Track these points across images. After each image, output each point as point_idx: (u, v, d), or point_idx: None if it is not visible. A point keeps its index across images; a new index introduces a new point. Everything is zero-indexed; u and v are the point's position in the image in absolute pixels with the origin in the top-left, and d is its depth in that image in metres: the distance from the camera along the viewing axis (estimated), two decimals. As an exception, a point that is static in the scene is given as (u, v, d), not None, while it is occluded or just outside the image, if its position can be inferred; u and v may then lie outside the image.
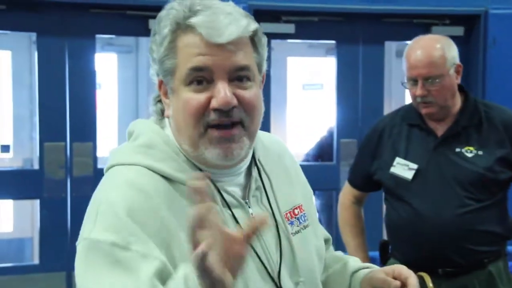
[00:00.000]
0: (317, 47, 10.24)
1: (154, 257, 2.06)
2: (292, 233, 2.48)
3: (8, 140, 10.96)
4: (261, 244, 2.36)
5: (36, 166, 8.90)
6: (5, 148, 10.73)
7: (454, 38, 5.00)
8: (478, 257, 4.20)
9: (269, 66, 8.26)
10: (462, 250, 4.19)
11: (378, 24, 9.40)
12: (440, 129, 4.39)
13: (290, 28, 9.30)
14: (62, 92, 8.49)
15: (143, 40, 10.20)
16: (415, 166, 4.36)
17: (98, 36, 9.13)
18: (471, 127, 4.36)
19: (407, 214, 4.35)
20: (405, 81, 4.40)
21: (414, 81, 4.29)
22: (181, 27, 2.18)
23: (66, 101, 8.50)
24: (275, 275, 2.36)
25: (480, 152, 4.29)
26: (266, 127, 8.94)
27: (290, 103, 10.80)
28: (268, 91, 9.18)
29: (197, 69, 2.16)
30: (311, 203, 2.75)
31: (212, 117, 2.16)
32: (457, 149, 4.33)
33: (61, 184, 8.42)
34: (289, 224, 2.49)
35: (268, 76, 8.96)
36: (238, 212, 2.32)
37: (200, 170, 2.27)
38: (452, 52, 4.35)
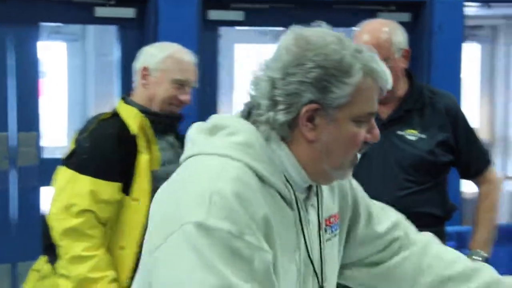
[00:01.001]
0: (267, 34, 10.44)
1: (266, 250, 2.17)
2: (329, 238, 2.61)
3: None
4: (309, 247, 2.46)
5: (-21, 157, 8.74)
6: None
7: (400, 24, 5.09)
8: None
9: (216, 53, 8.62)
10: None
11: (328, 11, 9.53)
12: (385, 112, 4.48)
13: (239, 15, 9.44)
14: (3, 81, 8.54)
15: (90, 28, 10.38)
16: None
17: (43, 24, 9.17)
18: (414, 111, 4.48)
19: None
20: None
21: None
22: (367, 71, 2.32)
23: (7, 91, 8.53)
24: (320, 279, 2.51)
25: (423, 136, 4.43)
26: (213, 111, 9.24)
27: (237, 88, 10.99)
28: (215, 77, 9.56)
29: (373, 113, 2.38)
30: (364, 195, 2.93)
31: (362, 149, 2.41)
32: (400, 132, 4.45)
33: (4, 175, 8.48)
34: (330, 230, 2.63)
35: (216, 63, 9.23)
36: (306, 218, 2.46)
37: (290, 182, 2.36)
38: (399, 37, 4.49)
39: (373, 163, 4.39)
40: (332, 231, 2.61)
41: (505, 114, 11.81)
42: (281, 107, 2.27)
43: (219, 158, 2.28)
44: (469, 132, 4.59)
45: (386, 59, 4.03)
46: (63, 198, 3.89)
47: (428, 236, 3.01)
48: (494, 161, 8.45)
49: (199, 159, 2.34)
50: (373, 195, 3.88)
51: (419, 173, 4.41)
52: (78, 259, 3.78)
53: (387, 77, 2.36)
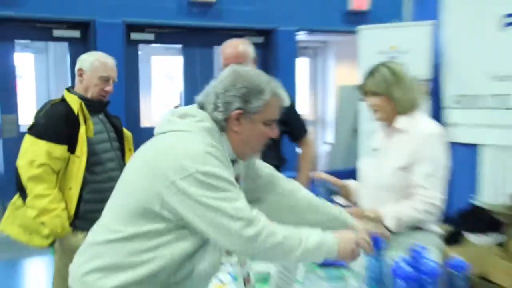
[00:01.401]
0: (170, 49, 10.31)
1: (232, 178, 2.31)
2: None
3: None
4: None
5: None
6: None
7: (255, 44, 4.41)
8: None
9: (137, 62, 8.35)
10: None
11: (210, 35, 9.52)
12: None
13: (151, 36, 9.49)
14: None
15: (50, 44, 10.24)
16: None
17: (17, 41, 9.19)
18: None
19: None
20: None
21: (226, 64, 4.09)
22: (274, 94, 2.42)
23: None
24: None
25: None
26: (136, 102, 9.44)
27: (155, 89, 10.86)
28: (137, 81, 9.49)
29: (276, 120, 2.47)
30: None
31: (265, 142, 2.52)
32: None
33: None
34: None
35: (137, 69, 9.07)
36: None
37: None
38: (250, 49, 4.24)
39: None
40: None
41: (323, 103, 12.10)
42: (220, 109, 2.37)
43: (194, 134, 2.34)
44: (294, 113, 4.34)
45: (242, 63, 3.99)
46: (28, 155, 3.71)
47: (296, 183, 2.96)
48: (316, 132, 8.50)
49: (178, 133, 2.38)
50: None
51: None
52: (40, 196, 3.63)
53: (286, 99, 2.49)
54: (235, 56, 4.07)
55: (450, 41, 5.60)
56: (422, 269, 2.41)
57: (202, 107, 2.44)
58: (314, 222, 2.67)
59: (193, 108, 2.45)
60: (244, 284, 2.63)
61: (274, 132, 2.46)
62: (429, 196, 3.04)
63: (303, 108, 11.45)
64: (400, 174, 3.09)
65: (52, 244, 3.74)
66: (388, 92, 3.11)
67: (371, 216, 3.04)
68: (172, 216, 2.24)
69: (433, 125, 3.20)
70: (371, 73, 3.20)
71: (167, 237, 2.29)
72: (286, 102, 2.48)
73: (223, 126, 2.39)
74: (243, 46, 4.18)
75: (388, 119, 3.19)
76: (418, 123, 3.14)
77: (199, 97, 2.48)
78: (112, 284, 2.27)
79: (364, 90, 3.23)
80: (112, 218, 2.40)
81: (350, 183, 3.32)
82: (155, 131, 2.49)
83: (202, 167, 2.22)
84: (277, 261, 2.48)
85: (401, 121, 3.14)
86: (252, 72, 2.47)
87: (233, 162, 2.48)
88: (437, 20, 5.66)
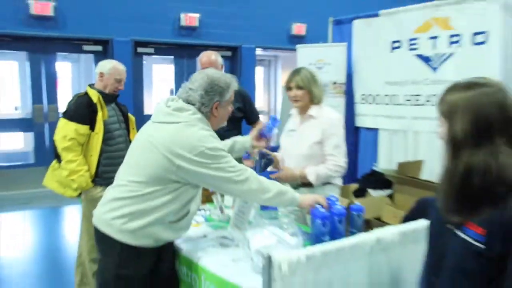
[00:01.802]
0: (167, 59, 10.17)
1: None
2: None
3: None
4: None
5: None
6: None
7: (225, 57, 4.35)
8: None
9: (142, 69, 8.24)
10: None
11: (196, 50, 9.38)
12: None
13: (151, 50, 9.36)
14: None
15: (81, 55, 9.92)
16: None
17: (58, 53, 8.94)
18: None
19: None
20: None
21: (203, 68, 3.77)
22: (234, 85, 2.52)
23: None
24: None
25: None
26: (140, 100, 9.32)
27: (156, 90, 10.58)
28: (142, 82, 9.38)
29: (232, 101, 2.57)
30: None
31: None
32: None
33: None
34: None
35: (142, 74, 8.96)
36: None
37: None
38: (220, 59, 4.11)
39: None
40: None
41: (273, 99, 12.03)
42: (205, 105, 2.42)
43: (193, 124, 2.36)
44: (249, 103, 4.25)
45: (213, 67, 3.88)
46: (62, 132, 3.67)
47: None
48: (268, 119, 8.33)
49: (183, 124, 2.36)
50: None
51: (229, 122, 3.72)
52: (70, 161, 3.62)
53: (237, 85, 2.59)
54: (209, 63, 4.01)
55: (358, 57, 5.61)
56: (333, 212, 2.44)
57: (188, 102, 2.42)
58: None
59: (184, 104, 2.41)
60: (221, 211, 2.86)
61: (232, 107, 2.61)
62: (337, 161, 3.14)
63: (259, 102, 11.48)
64: (315, 147, 3.14)
65: (79, 195, 3.75)
66: (309, 87, 3.17)
67: (298, 174, 3.10)
68: (184, 180, 2.30)
69: (334, 112, 3.30)
70: (297, 72, 3.23)
71: (176, 192, 2.32)
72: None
73: (208, 115, 2.43)
74: (215, 55, 4.10)
75: (304, 108, 3.23)
76: (324, 111, 3.21)
77: (182, 94, 2.47)
78: (136, 226, 2.29)
79: (290, 85, 3.23)
80: (131, 182, 2.36)
81: (278, 154, 3.27)
82: (155, 119, 2.46)
83: (208, 144, 2.28)
84: (257, 199, 2.45)
85: (313, 110, 3.19)
86: (219, 74, 2.51)
87: None
88: (349, 42, 5.66)
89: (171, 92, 10.33)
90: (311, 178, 3.11)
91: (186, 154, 2.25)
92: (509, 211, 1.35)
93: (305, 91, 3.17)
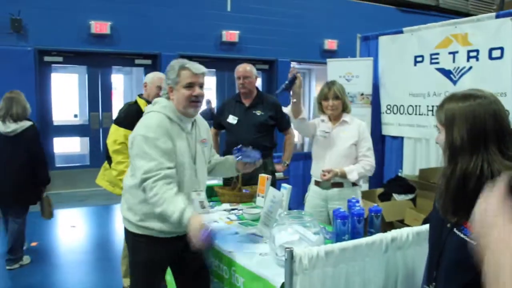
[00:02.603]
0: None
1: (168, 144, 2.29)
2: (204, 147, 2.55)
3: None
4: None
5: None
6: None
7: (262, 70, 4.50)
8: (262, 155, 3.26)
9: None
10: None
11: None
12: (247, 102, 4.06)
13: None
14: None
15: (133, 68, 10.16)
16: (236, 118, 4.07)
17: (114, 66, 9.17)
18: (259, 103, 4.06)
19: (232, 139, 3.97)
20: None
21: (238, 78, 4.06)
22: (182, 67, 2.37)
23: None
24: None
25: (263, 113, 4.03)
26: None
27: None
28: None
29: (192, 83, 2.36)
30: (210, 140, 2.72)
31: (193, 98, 2.38)
32: (254, 111, 4.02)
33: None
34: (203, 144, 2.56)
35: None
36: (190, 135, 2.45)
37: (180, 118, 2.41)
38: (254, 70, 4.11)
39: (243, 124, 4.04)
40: (205, 145, 2.57)
41: (307, 108, 11.48)
42: (168, 91, 2.42)
43: (156, 113, 2.38)
44: (281, 112, 4.03)
45: (249, 77, 4.01)
46: (112, 137, 3.68)
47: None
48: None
49: (149, 113, 2.42)
50: (238, 138, 3.85)
51: (262, 128, 4.01)
52: (119, 163, 3.62)
53: (196, 67, 2.39)
54: (244, 72, 4.03)
55: (383, 70, 5.59)
56: (353, 212, 2.43)
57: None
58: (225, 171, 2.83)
59: (161, 98, 2.47)
60: (202, 207, 2.53)
61: (194, 92, 2.38)
62: (371, 161, 3.30)
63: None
64: (352, 147, 3.28)
65: None
66: (343, 98, 3.31)
67: (338, 172, 3.18)
68: None
69: (361, 120, 3.43)
70: (333, 83, 3.33)
71: None
72: (198, 69, 2.39)
73: (168, 99, 2.42)
74: (249, 67, 4.09)
75: (336, 116, 3.35)
76: (354, 119, 3.36)
77: None
78: (135, 218, 2.40)
79: (327, 96, 3.29)
80: (128, 177, 2.47)
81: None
82: None
83: (147, 133, 2.28)
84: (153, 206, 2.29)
85: (346, 117, 3.33)
86: (174, 61, 2.45)
87: (195, 123, 2.51)
88: (375, 57, 5.65)
89: (207, 103, 10.42)
90: (352, 175, 3.23)
91: (135, 135, 2.35)
92: None
93: (340, 101, 3.30)
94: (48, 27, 7.88)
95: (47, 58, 8.31)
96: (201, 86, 2.42)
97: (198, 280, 2.60)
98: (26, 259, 4.67)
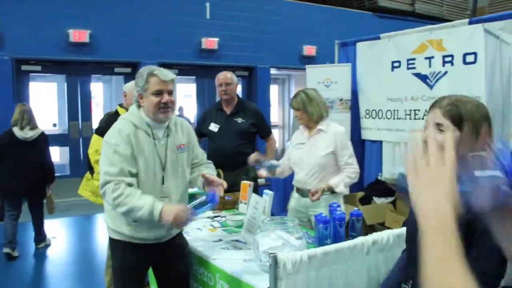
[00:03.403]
0: (189, 79, 10.39)
1: (128, 151, 2.28)
2: (178, 153, 2.51)
3: None
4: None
5: None
6: None
7: (242, 76, 4.48)
8: (242, 161, 3.76)
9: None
10: (236, 160, 3.94)
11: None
12: (228, 110, 4.10)
13: (175, 71, 9.11)
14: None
15: (113, 77, 9.97)
16: (218, 126, 4.09)
17: (93, 75, 9.14)
18: (240, 110, 4.09)
19: (214, 147, 4.09)
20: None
21: (220, 85, 4.10)
22: (150, 74, 2.36)
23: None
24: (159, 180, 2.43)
25: (244, 120, 4.06)
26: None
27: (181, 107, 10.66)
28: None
29: (161, 90, 2.35)
30: (195, 143, 2.69)
31: (162, 105, 2.36)
32: (235, 119, 4.06)
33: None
34: (179, 150, 2.52)
35: None
36: (159, 142, 2.43)
37: (149, 125, 2.40)
38: (235, 78, 4.15)
39: (224, 131, 4.06)
40: (182, 150, 2.52)
41: (287, 114, 11.88)
42: (138, 98, 2.42)
43: (122, 120, 2.42)
44: (262, 119, 4.21)
45: (230, 84, 4.05)
46: (94, 147, 3.69)
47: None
48: (283, 133, 8.24)
49: (117, 120, 2.45)
50: (224, 144, 3.96)
51: (244, 136, 4.05)
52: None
53: (164, 73, 2.37)
54: (225, 80, 4.07)
55: (361, 76, 5.66)
56: (334, 217, 2.47)
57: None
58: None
59: (133, 105, 2.47)
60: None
61: (164, 98, 2.36)
62: (355, 167, 3.29)
63: (274, 118, 11.43)
64: (328, 157, 3.23)
65: None
66: (304, 108, 3.27)
67: (325, 187, 3.16)
68: None
69: (340, 126, 3.40)
70: (294, 96, 3.36)
71: None
72: (166, 76, 2.38)
73: (139, 107, 2.43)
74: (230, 74, 4.13)
75: (307, 124, 3.34)
76: (331, 125, 3.31)
77: None
78: (111, 223, 2.46)
79: (291, 106, 3.37)
80: None
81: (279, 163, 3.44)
82: None
83: (109, 139, 2.33)
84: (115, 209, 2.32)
85: (322, 125, 3.29)
86: (143, 69, 2.44)
87: (168, 130, 2.47)
88: (354, 63, 5.71)
89: (180, 110, 10.41)
90: (339, 188, 3.22)
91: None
92: None
93: (301, 111, 3.29)
94: (25, 35, 7.77)
95: (25, 67, 8.19)
96: (170, 92, 2.41)
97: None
98: (48, 240, 5.65)
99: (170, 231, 2.49)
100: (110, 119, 3.79)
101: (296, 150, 3.40)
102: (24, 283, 4.50)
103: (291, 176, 5.37)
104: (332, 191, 3.22)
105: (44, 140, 5.25)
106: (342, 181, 3.22)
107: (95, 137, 3.76)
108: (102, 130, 3.68)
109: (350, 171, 3.26)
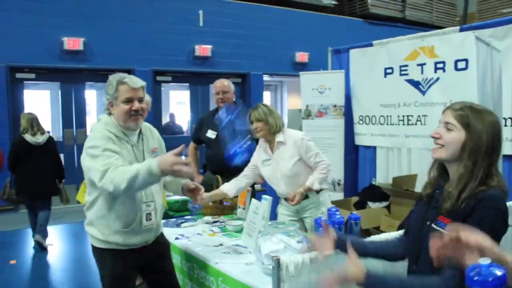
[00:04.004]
0: (183, 86, 10.44)
1: (114, 150, 2.27)
2: (153, 157, 2.45)
3: None
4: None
5: None
6: None
7: (236, 83, 4.57)
8: (241, 168, 3.57)
9: (161, 95, 8.15)
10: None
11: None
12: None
13: (169, 78, 9.43)
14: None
15: None
16: (215, 133, 4.09)
17: (88, 82, 9.12)
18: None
19: (211, 153, 4.12)
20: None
21: (217, 93, 4.16)
22: (120, 81, 2.36)
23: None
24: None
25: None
26: (160, 125, 9.38)
27: (171, 109, 10.83)
28: (160, 108, 9.52)
29: (131, 98, 2.36)
30: (163, 146, 2.68)
31: (132, 113, 2.37)
32: None
33: None
34: (154, 154, 2.52)
35: (160, 98, 8.94)
36: (137, 147, 2.46)
37: (124, 132, 2.41)
38: (232, 85, 4.19)
39: (222, 138, 3.84)
40: (156, 154, 2.52)
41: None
42: (109, 106, 2.42)
43: (99, 130, 2.36)
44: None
45: (227, 92, 4.12)
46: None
47: None
48: None
49: (92, 130, 2.43)
50: (217, 152, 3.86)
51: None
52: None
53: (134, 81, 2.39)
54: (222, 87, 4.11)
55: (355, 82, 5.72)
56: (333, 220, 2.52)
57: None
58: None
59: (104, 115, 2.45)
60: (147, 220, 2.50)
61: (134, 106, 2.36)
62: (324, 163, 3.28)
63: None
64: (297, 164, 3.25)
65: None
66: (265, 119, 3.26)
67: (302, 191, 3.19)
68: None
69: (297, 132, 3.43)
70: (255, 108, 3.33)
71: (109, 200, 2.37)
72: (136, 83, 2.39)
73: (110, 114, 2.42)
74: (227, 82, 4.20)
75: (266, 136, 3.33)
76: (288, 134, 3.32)
77: None
78: (97, 233, 2.43)
79: (251, 120, 3.33)
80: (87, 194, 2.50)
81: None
82: None
83: (94, 143, 2.27)
84: (122, 188, 2.19)
85: (279, 137, 3.30)
86: (113, 77, 2.45)
87: (141, 135, 2.50)
88: (347, 69, 5.77)
89: (171, 117, 10.46)
90: (315, 186, 3.25)
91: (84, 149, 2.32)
92: (462, 204, 1.59)
93: (262, 123, 3.27)
94: (20, 43, 7.81)
95: (19, 75, 8.21)
96: (140, 100, 2.41)
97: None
98: (46, 245, 5.87)
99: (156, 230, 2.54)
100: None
101: (264, 167, 3.40)
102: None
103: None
104: (309, 190, 3.26)
105: (53, 143, 5.89)
106: (315, 179, 3.25)
107: None
108: None
109: (321, 167, 3.28)
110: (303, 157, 3.27)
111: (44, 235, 5.84)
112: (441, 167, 1.77)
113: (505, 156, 3.97)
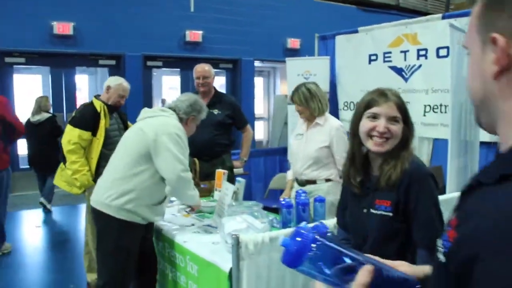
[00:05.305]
0: (174, 71, 10.48)
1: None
2: None
3: None
4: None
5: None
6: None
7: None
8: (218, 151, 4.08)
9: (151, 80, 8.22)
10: (212, 150, 4.07)
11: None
12: (205, 101, 3.59)
13: (160, 63, 9.53)
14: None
15: (98, 69, 10.02)
16: None
17: (77, 67, 9.16)
18: (216, 102, 4.15)
19: (191, 138, 3.54)
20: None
21: (197, 78, 4.19)
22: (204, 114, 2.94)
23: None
24: None
25: (220, 112, 4.14)
26: (150, 106, 9.36)
27: (164, 95, 10.79)
28: (151, 93, 9.57)
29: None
30: None
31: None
32: (211, 110, 3.94)
33: None
34: None
35: (151, 84, 9.02)
36: None
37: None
38: (212, 70, 4.23)
39: (201, 125, 3.68)
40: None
41: (269, 105, 11.93)
42: (186, 113, 2.79)
43: (172, 119, 2.74)
44: (238, 111, 4.32)
45: (208, 77, 4.14)
46: (67, 137, 3.79)
47: None
48: (267, 123, 8.25)
49: (164, 117, 2.73)
50: (202, 136, 3.83)
51: (219, 127, 4.14)
52: (73, 162, 3.72)
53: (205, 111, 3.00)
54: (203, 72, 4.16)
55: (340, 69, 5.76)
56: (298, 202, 2.63)
57: (174, 109, 2.74)
58: None
59: (165, 108, 2.79)
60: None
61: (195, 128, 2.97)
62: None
63: (259, 109, 11.50)
64: (322, 150, 3.25)
65: (84, 192, 3.87)
66: (306, 104, 3.29)
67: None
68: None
69: (337, 121, 3.43)
70: (296, 90, 3.36)
71: (157, 174, 2.61)
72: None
73: (183, 121, 2.77)
74: (208, 67, 4.22)
75: (308, 118, 3.35)
76: (329, 120, 3.34)
77: (170, 104, 2.83)
78: (126, 203, 2.58)
79: (293, 101, 3.41)
80: (122, 163, 2.67)
81: None
82: (141, 118, 2.78)
83: (178, 132, 2.59)
84: (182, 196, 2.79)
85: (320, 119, 3.31)
86: (190, 96, 2.94)
87: None
88: (333, 55, 5.81)
89: (162, 102, 10.43)
90: (336, 178, 3.26)
91: (163, 131, 2.58)
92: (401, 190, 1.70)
93: (303, 107, 3.31)
94: (9, 28, 7.80)
95: (8, 59, 8.23)
96: None
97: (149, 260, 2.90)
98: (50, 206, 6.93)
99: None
100: (85, 110, 3.91)
101: (295, 140, 3.48)
102: (10, 271, 4.59)
103: (271, 166, 5.36)
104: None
105: (50, 123, 6.73)
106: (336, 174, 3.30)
107: (68, 127, 3.83)
108: (76, 121, 3.83)
109: (341, 163, 3.26)
110: (332, 147, 3.26)
111: (49, 198, 6.87)
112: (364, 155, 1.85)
113: (482, 143, 4.03)
